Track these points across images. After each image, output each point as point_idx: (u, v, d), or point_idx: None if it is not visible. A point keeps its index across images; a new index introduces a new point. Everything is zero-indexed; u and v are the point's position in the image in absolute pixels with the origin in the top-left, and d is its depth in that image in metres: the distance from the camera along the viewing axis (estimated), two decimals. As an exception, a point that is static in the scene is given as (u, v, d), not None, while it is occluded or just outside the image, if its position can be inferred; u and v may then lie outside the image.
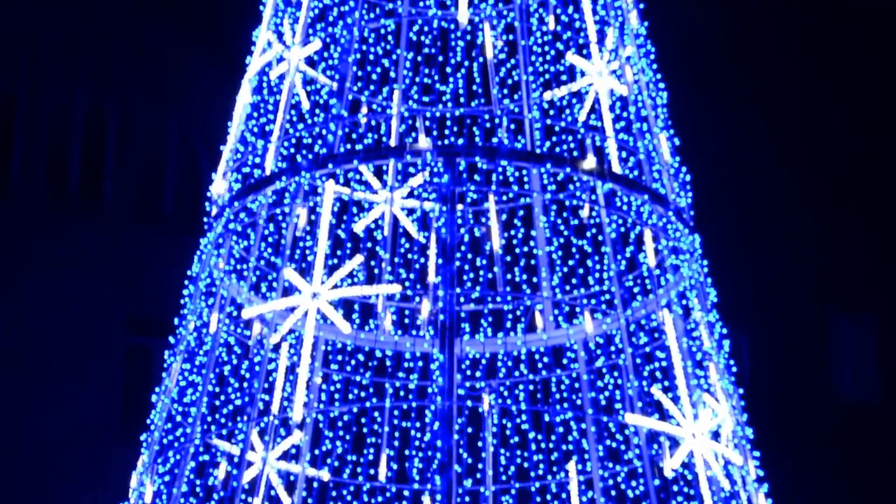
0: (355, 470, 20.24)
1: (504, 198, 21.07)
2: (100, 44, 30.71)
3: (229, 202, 19.19)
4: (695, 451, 17.77)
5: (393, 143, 19.62)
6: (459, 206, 19.10)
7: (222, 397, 18.95)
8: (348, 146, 19.39)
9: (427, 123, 19.71)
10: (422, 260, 19.80)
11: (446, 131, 19.28)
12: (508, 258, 20.71)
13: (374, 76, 20.46)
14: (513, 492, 20.52)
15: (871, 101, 34.45)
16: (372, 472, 20.27)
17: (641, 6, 20.33)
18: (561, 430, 19.80)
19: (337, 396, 20.36)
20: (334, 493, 20.04)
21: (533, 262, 20.81)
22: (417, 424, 20.09)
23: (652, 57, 20.16)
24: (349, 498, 20.14)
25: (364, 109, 20.61)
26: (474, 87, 20.63)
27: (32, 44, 30.41)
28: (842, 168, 34.26)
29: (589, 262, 19.67)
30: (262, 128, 19.56)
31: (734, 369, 19.31)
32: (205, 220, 19.70)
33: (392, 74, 20.64)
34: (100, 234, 30.08)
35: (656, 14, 20.73)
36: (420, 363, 20.04)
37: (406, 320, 20.59)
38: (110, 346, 29.63)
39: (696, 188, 19.90)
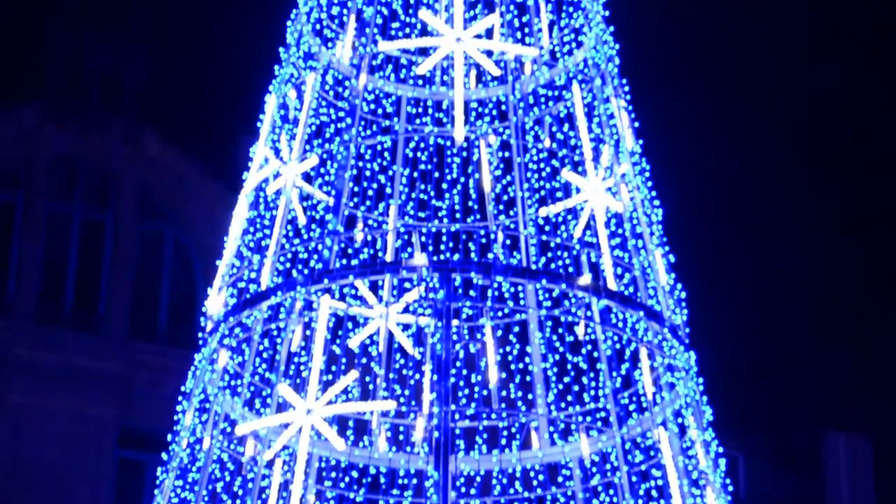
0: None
1: (499, 314, 21.04)
2: (97, 157, 30.83)
3: (224, 317, 19.16)
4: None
5: (389, 258, 19.63)
6: (455, 322, 19.09)
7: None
8: (344, 261, 19.41)
9: (423, 239, 19.74)
10: (417, 376, 19.74)
11: (442, 247, 19.31)
12: (504, 374, 20.64)
13: (370, 192, 20.54)
14: None
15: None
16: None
17: (636, 125, 20.46)
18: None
19: (330, 513, 20.19)
20: None
21: (528, 378, 20.75)
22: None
23: (647, 175, 20.27)
24: None
25: (360, 225, 20.65)
26: (470, 203, 20.70)
27: (30, 156, 30.54)
28: (838, 289, 34.41)
29: (584, 379, 19.61)
30: (258, 243, 19.58)
31: (730, 488, 19.18)
32: (199, 334, 19.64)
33: (388, 190, 20.73)
34: (93, 346, 29.99)
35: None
36: (415, 480, 19.89)
37: (401, 436, 20.48)
38: (102, 459, 29.42)
39: (692, 305, 19.90)
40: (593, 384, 19.59)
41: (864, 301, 34.61)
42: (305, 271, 18.90)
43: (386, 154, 20.62)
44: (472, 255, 19.47)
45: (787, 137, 36.35)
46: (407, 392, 20.09)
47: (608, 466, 19.76)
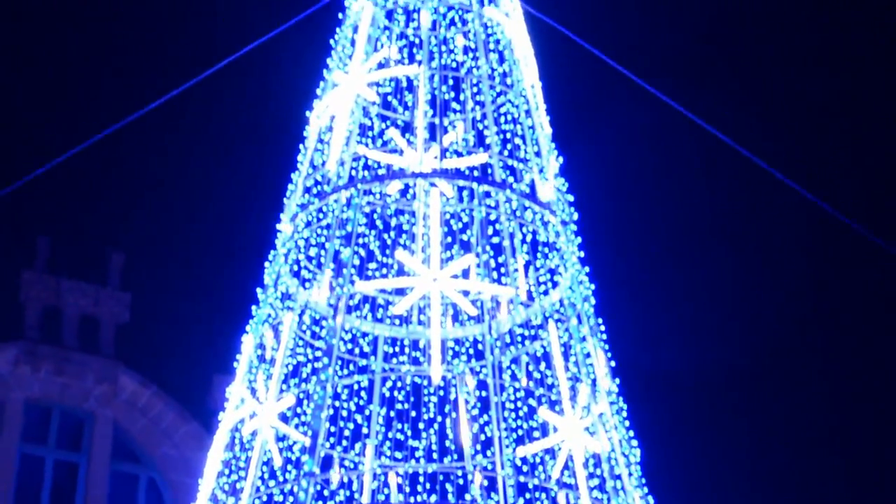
0: None
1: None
2: (71, 398, 30.70)
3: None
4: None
5: (365, 500, 19.42)
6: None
7: None
8: (320, 503, 19.20)
9: (400, 480, 19.56)
10: None
11: (419, 487, 19.12)
12: None
13: (346, 432, 20.43)
14: None
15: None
16: None
17: (613, 364, 20.50)
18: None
19: None
20: None
21: None
22: None
23: (625, 414, 20.22)
24: None
25: (336, 466, 20.47)
26: (447, 443, 20.58)
27: (3, 399, 30.39)
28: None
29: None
30: (233, 485, 19.38)
31: None
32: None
33: (365, 430, 20.62)
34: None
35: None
36: None
37: None
38: None
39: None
40: None
41: None
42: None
43: (363, 394, 20.58)
44: (450, 495, 19.29)
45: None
46: None
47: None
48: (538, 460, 19.84)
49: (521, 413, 20.33)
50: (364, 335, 21.11)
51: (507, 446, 20.53)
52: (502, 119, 21.70)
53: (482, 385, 20.58)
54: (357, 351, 20.98)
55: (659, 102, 23.00)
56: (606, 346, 20.52)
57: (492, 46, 22.23)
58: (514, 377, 20.60)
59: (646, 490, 19.73)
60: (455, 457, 20.72)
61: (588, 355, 20.23)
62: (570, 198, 21.33)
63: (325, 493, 19.59)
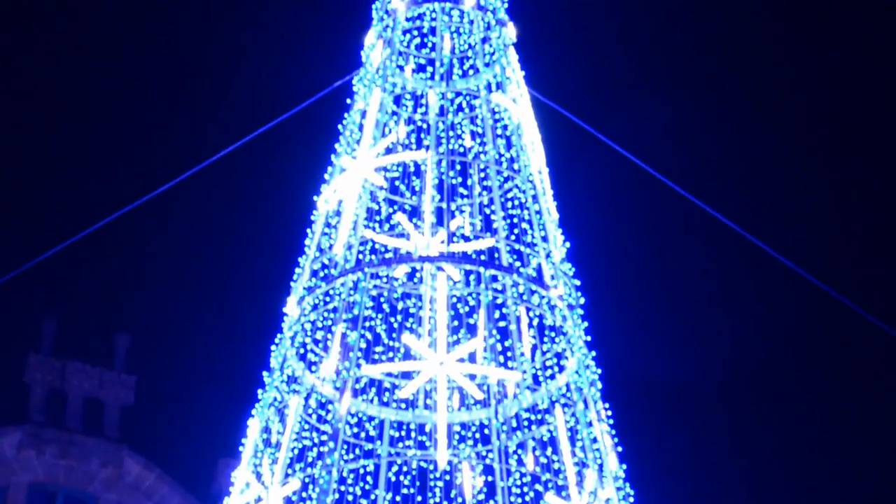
0: None
1: None
2: (75, 481, 30.61)
3: None
4: None
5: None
6: None
7: None
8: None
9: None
10: None
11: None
12: None
13: (352, 516, 20.32)
14: None
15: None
16: None
17: (619, 449, 20.42)
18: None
19: None
20: None
21: None
22: None
23: (631, 499, 20.13)
24: None
25: (342, 550, 20.36)
26: (453, 529, 20.48)
27: (7, 482, 30.31)
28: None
29: None
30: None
31: None
32: None
33: (371, 514, 20.51)
34: None
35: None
36: None
37: None
38: None
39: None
40: None
41: None
42: None
43: (368, 478, 20.49)
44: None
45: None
46: None
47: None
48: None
49: (527, 498, 20.24)
50: (370, 419, 21.05)
51: (514, 532, 20.42)
52: (509, 204, 21.78)
53: (488, 470, 20.50)
54: (363, 435, 20.91)
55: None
56: (613, 431, 20.47)
57: (499, 132, 22.37)
58: (520, 462, 20.52)
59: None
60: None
61: (595, 440, 20.17)
62: (577, 282, 21.36)
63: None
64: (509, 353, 21.02)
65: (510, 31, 23.37)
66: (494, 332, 20.88)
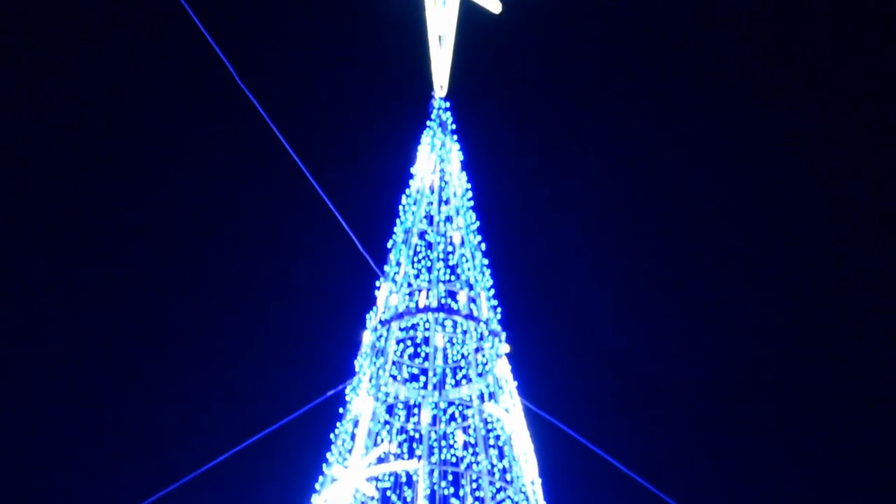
0: None
1: None
2: None
3: None
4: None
5: None
6: None
7: None
8: None
9: None
10: None
11: None
12: None
13: None
14: None
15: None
16: None
17: None
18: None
19: None
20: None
21: None
22: None
23: None
24: None
25: None
26: None
27: None
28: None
29: None
30: None
31: None
32: None
33: None
34: None
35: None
36: None
37: None
38: None
39: None
40: None
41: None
42: None
43: None
44: None
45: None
46: None
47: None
48: None
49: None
50: None
51: None
52: (503, 513, 21.59)
53: None
54: None
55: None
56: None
57: (491, 442, 22.29)
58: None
59: None
60: None
61: None
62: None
63: None
64: None
65: (504, 346, 23.51)
66: None
